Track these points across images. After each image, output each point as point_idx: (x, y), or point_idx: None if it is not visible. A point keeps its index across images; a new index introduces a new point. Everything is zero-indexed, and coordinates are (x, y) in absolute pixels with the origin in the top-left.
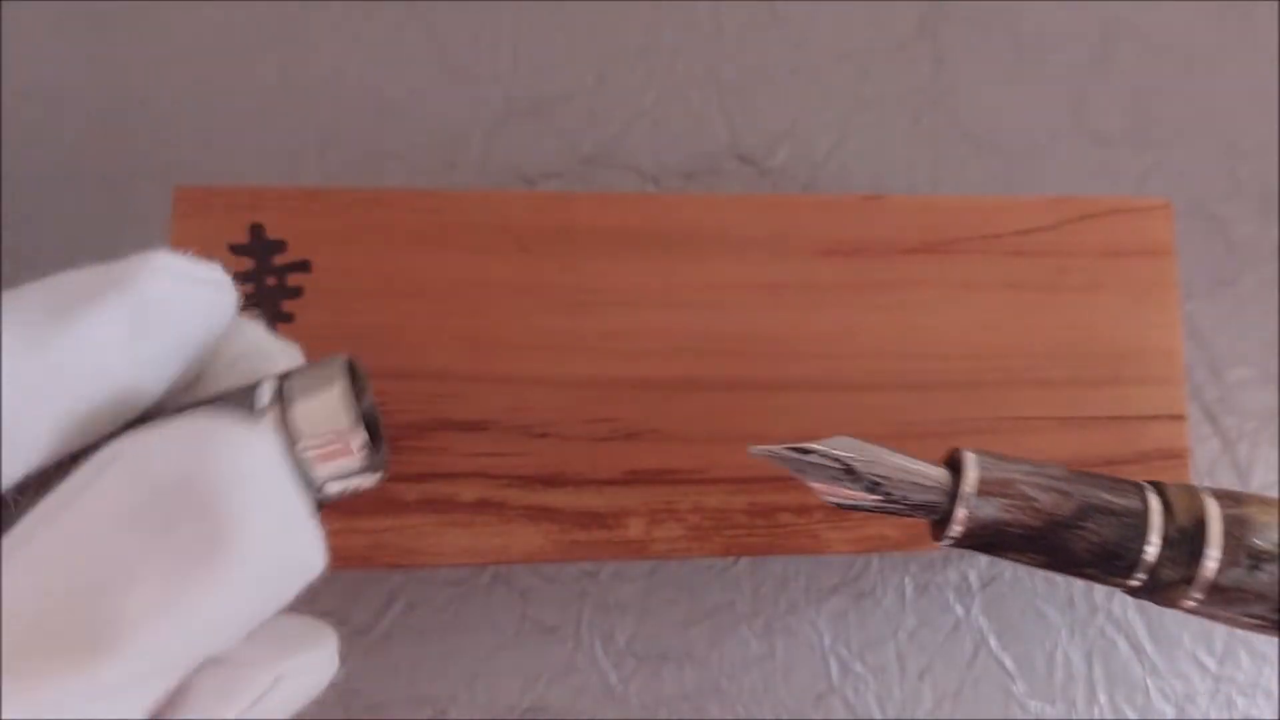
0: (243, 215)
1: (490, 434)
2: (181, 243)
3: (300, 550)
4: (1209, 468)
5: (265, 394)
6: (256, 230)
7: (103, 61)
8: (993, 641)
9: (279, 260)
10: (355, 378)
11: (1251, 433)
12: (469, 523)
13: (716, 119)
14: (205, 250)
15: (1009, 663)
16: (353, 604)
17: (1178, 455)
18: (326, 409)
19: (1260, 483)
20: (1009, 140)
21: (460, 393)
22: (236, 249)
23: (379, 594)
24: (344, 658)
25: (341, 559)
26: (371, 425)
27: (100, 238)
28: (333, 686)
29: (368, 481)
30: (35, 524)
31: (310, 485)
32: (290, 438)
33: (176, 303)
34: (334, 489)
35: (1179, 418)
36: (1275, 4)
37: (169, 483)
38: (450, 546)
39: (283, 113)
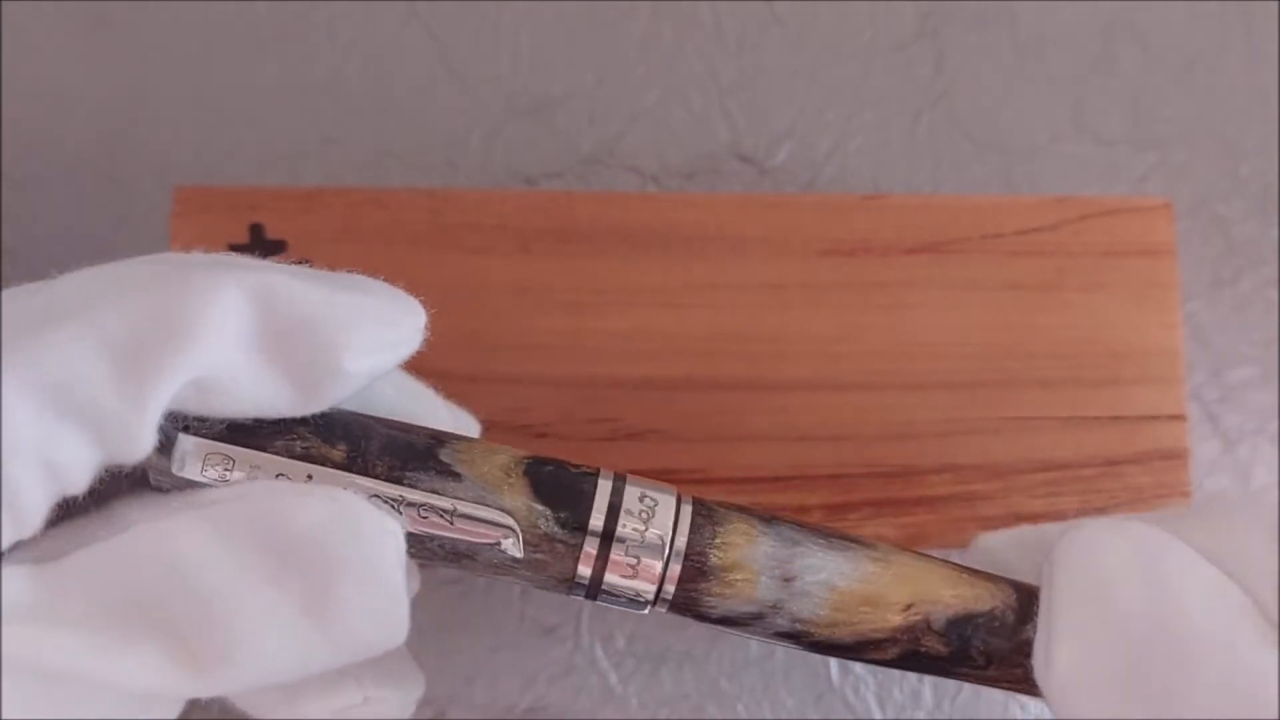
0: (243, 215)
1: (490, 434)
2: (181, 243)
3: (389, 630)
4: (1209, 468)
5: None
6: (256, 230)
7: (103, 61)
8: None
9: (279, 260)
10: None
11: (1252, 433)
12: None
13: (717, 119)
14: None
15: None
16: None
17: (1178, 455)
18: (653, 538)
19: (1260, 483)
20: (1009, 140)
21: (460, 393)
22: (236, 249)
23: None
24: None
25: None
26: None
27: (100, 237)
28: None
29: (628, 607)
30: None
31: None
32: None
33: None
34: (603, 593)
35: (1179, 418)
36: (1276, 4)
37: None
38: None
39: (283, 113)
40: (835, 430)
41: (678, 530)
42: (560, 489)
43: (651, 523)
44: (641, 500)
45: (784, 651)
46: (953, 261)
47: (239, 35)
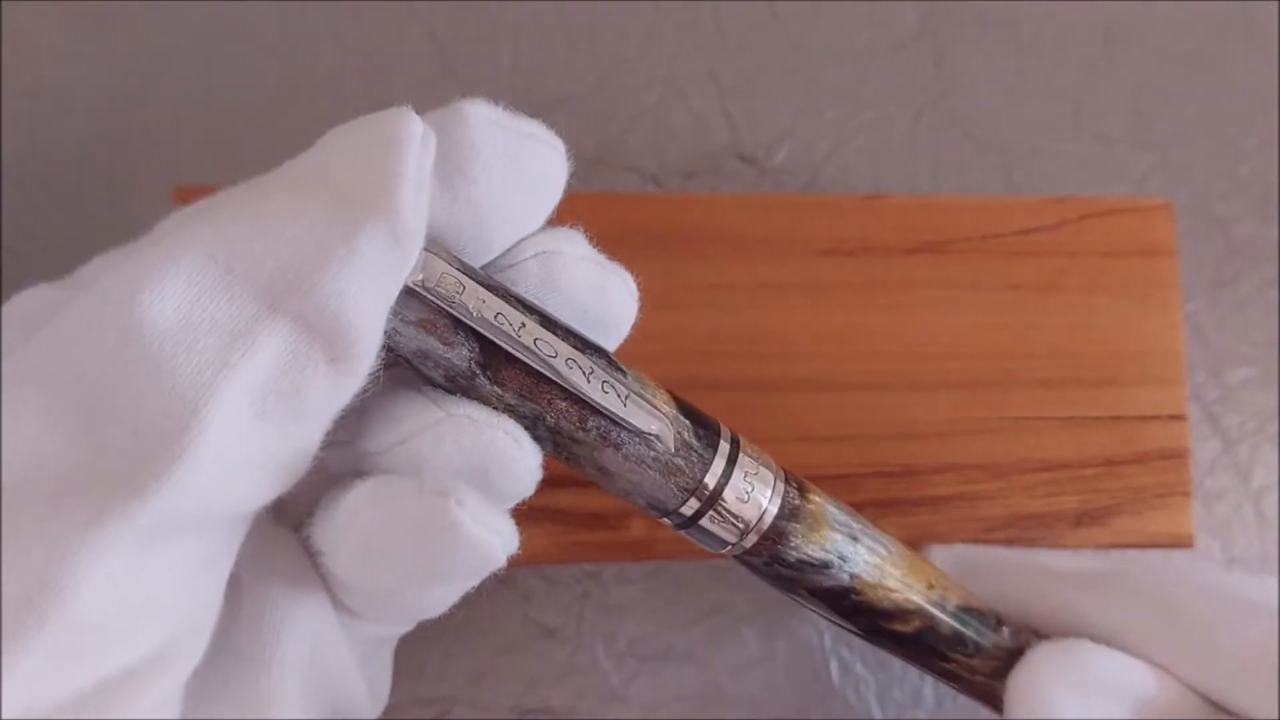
0: None
1: None
2: None
3: None
4: (1209, 468)
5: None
6: None
7: (104, 61)
8: None
9: None
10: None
11: (1252, 433)
12: None
13: (717, 119)
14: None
15: None
16: None
17: (1178, 455)
18: (753, 503)
19: (1260, 483)
20: (1009, 140)
21: None
22: None
23: None
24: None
25: None
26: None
27: (101, 237)
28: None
29: (711, 540)
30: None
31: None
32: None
33: (491, 155)
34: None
35: (1179, 418)
36: (1276, 4)
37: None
38: None
39: (283, 113)
40: (836, 430)
41: (778, 474)
42: (696, 412)
43: (763, 463)
44: (753, 443)
45: (785, 651)
46: (953, 261)
47: (239, 35)
